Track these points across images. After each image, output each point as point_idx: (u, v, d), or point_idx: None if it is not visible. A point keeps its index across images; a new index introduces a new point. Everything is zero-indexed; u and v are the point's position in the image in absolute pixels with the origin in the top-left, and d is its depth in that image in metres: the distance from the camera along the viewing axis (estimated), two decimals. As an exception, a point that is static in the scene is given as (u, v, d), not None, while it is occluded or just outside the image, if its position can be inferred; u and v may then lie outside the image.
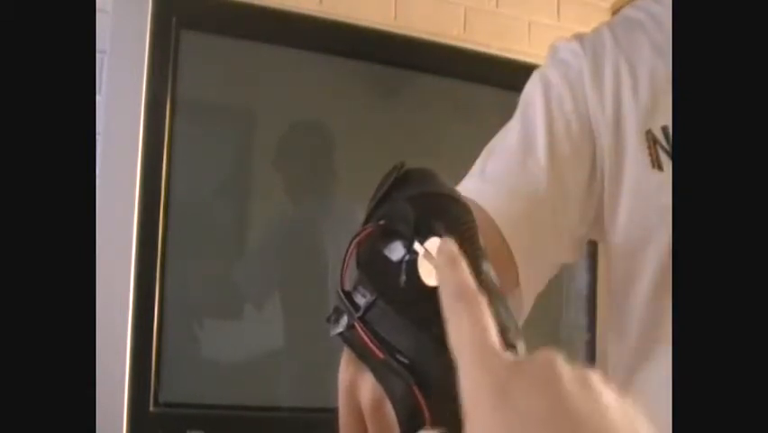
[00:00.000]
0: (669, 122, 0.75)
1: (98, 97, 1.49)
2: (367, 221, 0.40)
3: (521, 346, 0.37)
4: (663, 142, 0.75)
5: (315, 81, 1.75)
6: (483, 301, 0.33)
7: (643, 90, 0.77)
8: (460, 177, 0.73)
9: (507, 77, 1.88)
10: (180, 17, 1.59)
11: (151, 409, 1.50)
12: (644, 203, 0.76)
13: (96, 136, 1.46)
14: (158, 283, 1.52)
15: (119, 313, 1.47)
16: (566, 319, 1.95)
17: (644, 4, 0.86)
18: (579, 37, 0.84)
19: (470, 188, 0.71)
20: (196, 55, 1.63)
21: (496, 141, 0.80)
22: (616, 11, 2.03)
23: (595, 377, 0.31)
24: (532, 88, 0.83)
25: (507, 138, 0.79)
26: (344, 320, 0.39)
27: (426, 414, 0.35)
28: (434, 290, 0.35)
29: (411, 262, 0.38)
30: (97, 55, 1.47)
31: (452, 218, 0.39)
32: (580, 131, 0.77)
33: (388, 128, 1.74)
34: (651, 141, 0.76)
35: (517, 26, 1.94)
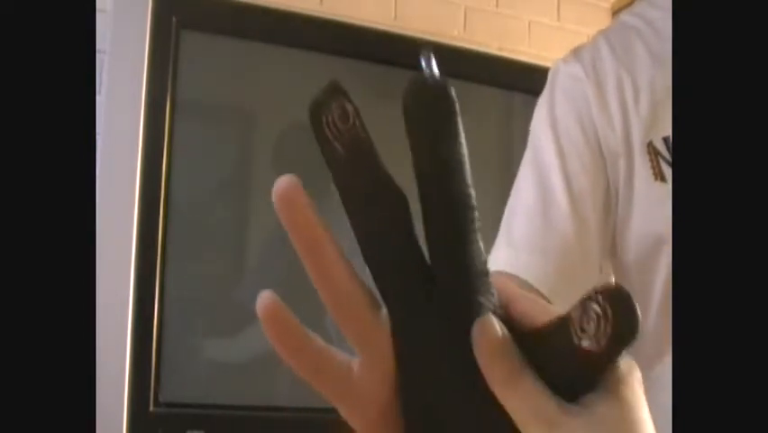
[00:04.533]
0: (669, 132, 0.74)
1: (98, 97, 1.49)
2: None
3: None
4: (665, 154, 0.75)
5: (315, 81, 1.74)
6: (528, 376, 0.32)
7: (644, 101, 0.77)
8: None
9: (507, 77, 1.88)
10: (180, 17, 1.59)
11: (151, 409, 1.50)
12: (651, 216, 0.75)
13: (96, 136, 1.46)
14: (158, 283, 1.52)
15: (119, 313, 1.47)
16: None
17: (640, 9, 0.86)
18: (577, 53, 0.83)
19: (502, 259, 0.72)
20: (196, 55, 1.63)
21: (514, 198, 0.79)
22: (616, 11, 2.03)
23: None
24: (540, 127, 0.82)
25: (525, 193, 0.78)
26: None
27: None
28: None
29: None
30: (97, 55, 1.47)
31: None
32: (592, 160, 0.77)
33: (388, 128, 1.73)
34: (653, 153, 0.75)
35: (517, 26, 1.94)
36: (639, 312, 0.31)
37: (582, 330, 0.32)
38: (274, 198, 0.33)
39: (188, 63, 1.60)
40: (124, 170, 1.51)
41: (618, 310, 0.31)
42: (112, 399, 1.45)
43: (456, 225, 0.34)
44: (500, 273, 0.70)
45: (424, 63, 0.34)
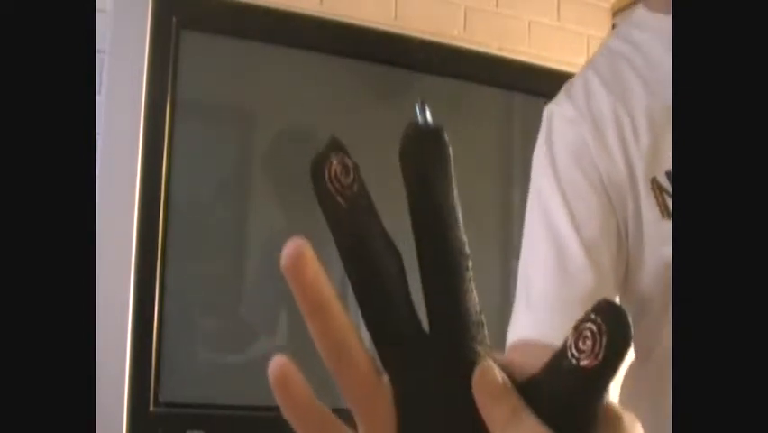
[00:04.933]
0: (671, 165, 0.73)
1: (98, 97, 1.49)
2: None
3: None
4: (669, 189, 0.73)
5: (315, 81, 1.75)
6: (529, 416, 0.33)
7: (643, 135, 0.75)
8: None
9: (507, 77, 1.89)
10: (180, 17, 1.59)
11: (151, 409, 1.50)
12: (662, 254, 0.74)
13: (96, 136, 1.46)
14: (158, 283, 1.52)
15: (119, 313, 1.47)
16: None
17: (625, 32, 0.84)
18: (568, 93, 0.81)
19: (523, 325, 0.71)
20: (196, 55, 1.63)
21: (527, 255, 0.78)
22: (616, 11, 2.03)
23: None
24: (541, 177, 0.80)
25: (536, 249, 0.77)
26: None
27: None
28: None
29: None
30: (97, 55, 1.47)
31: None
32: (599, 204, 0.75)
33: (388, 128, 1.73)
34: (657, 189, 0.74)
35: (517, 26, 1.94)
36: (631, 321, 0.32)
37: (580, 351, 0.32)
38: (283, 263, 0.33)
39: (188, 63, 1.60)
40: (124, 170, 1.51)
41: (611, 321, 0.32)
42: (112, 399, 1.45)
43: (451, 276, 0.35)
44: (525, 343, 0.69)
45: (418, 111, 0.35)
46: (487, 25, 1.90)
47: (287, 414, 0.34)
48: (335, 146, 0.35)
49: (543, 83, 1.95)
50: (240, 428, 1.61)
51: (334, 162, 0.35)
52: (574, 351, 0.33)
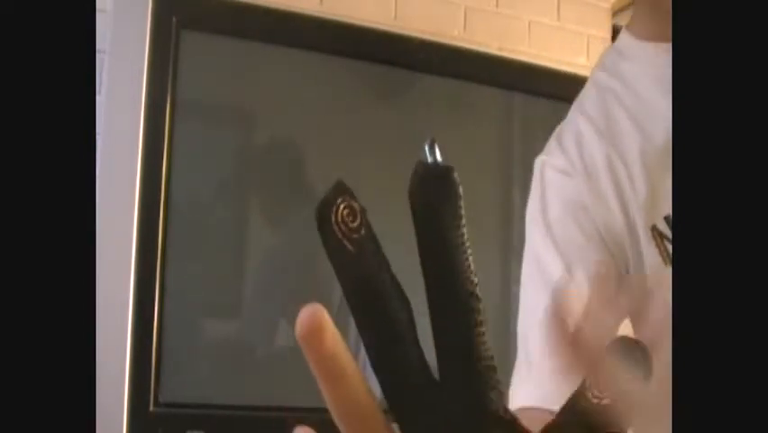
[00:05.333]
0: (670, 210, 0.70)
1: (98, 97, 1.49)
2: None
3: None
4: (669, 234, 0.71)
5: (315, 81, 1.75)
6: None
7: (639, 182, 0.73)
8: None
9: (507, 77, 1.89)
10: (180, 17, 1.59)
11: (151, 409, 1.50)
12: (666, 300, 0.72)
13: (96, 136, 1.46)
14: (158, 283, 1.52)
15: (119, 313, 1.47)
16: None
17: (610, 62, 0.81)
18: (560, 141, 0.79)
19: (525, 393, 0.69)
20: (196, 55, 1.63)
21: (525, 318, 0.76)
22: (616, 11, 2.03)
23: None
24: (536, 234, 0.77)
25: (534, 307, 0.74)
26: None
27: None
28: None
29: None
30: (97, 55, 1.47)
31: None
32: (598, 258, 0.73)
33: (388, 128, 1.74)
34: (658, 237, 0.72)
35: (517, 26, 1.94)
36: (650, 353, 0.32)
37: (600, 390, 0.32)
38: (298, 331, 0.32)
39: (188, 63, 1.60)
40: (124, 170, 1.51)
41: (629, 357, 0.32)
42: (112, 399, 1.45)
43: (461, 320, 0.34)
44: (530, 409, 0.68)
45: (428, 150, 0.35)
46: (487, 25, 1.90)
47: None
48: (342, 190, 0.35)
49: (543, 83, 1.95)
50: (240, 428, 1.61)
51: (341, 206, 0.34)
52: (595, 391, 0.33)
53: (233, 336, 1.71)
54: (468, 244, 0.35)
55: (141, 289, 1.50)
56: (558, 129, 0.81)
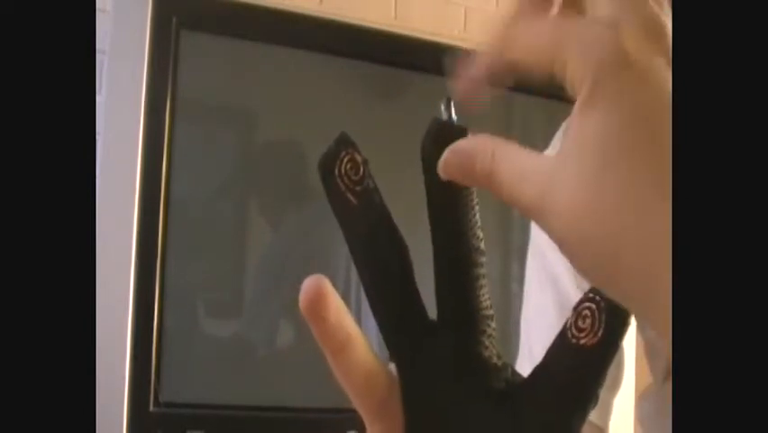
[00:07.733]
0: None
1: (98, 97, 1.49)
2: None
3: None
4: None
5: (315, 81, 1.75)
6: None
7: None
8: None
9: (507, 77, 1.88)
10: (180, 17, 1.59)
11: (151, 409, 1.50)
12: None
13: (96, 136, 1.46)
14: (158, 283, 1.52)
15: (119, 313, 1.47)
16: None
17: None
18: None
19: None
20: (196, 55, 1.63)
21: (528, 311, 0.76)
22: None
23: None
24: (540, 232, 0.79)
25: (536, 299, 0.75)
26: None
27: None
28: None
29: None
30: (97, 55, 1.47)
31: None
32: None
33: (388, 128, 1.74)
34: None
35: (517, 26, 1.94)
36: None
37: (579, 330, 0.32)
38: (302, 303, 0.32)
39: (188, 63, 1.60)
40: (124, 170, 1.51)
41: (610, 299, 0.32)
42: (112, 399, 1.45)
43: (463, 269, 0.35)
44: None
45: (443, 108, 0.36)
46: (487, 25, 1.90)
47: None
48: (345, 142, 0.35)
49: (542, 83, 1.94)
50: (240, 428, 1.61)
51: (345, 159, 0.34)
52: (574, 330, 0.33)
53: (233, 336, 1.71)
54: (476, 201, 0.35)
55: (141, 289, 1.50)
56: (563, 126, 0.82)
